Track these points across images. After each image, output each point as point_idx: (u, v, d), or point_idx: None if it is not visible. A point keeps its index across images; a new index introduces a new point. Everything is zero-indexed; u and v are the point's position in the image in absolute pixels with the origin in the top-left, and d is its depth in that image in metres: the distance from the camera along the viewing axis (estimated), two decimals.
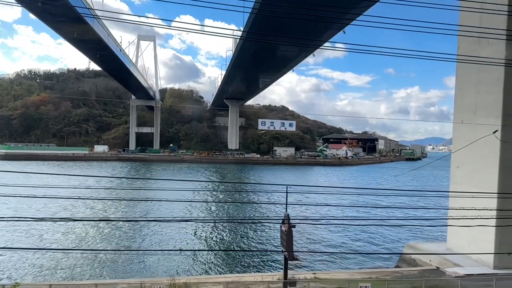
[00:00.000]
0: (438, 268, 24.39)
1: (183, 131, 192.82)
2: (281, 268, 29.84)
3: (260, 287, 17.40)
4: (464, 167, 27.18)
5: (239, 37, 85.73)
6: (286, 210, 17.64)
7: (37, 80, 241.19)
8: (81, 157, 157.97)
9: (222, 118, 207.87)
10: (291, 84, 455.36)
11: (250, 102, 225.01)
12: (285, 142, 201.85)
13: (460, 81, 27.98)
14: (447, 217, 28.96)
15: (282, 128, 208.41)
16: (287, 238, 15.82)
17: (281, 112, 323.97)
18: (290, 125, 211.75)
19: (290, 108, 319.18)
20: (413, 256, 28.34)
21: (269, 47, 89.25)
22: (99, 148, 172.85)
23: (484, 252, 24.65)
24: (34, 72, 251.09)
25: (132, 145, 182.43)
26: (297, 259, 16.14)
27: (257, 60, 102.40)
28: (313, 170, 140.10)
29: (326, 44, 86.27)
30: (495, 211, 23.62)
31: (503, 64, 23.65)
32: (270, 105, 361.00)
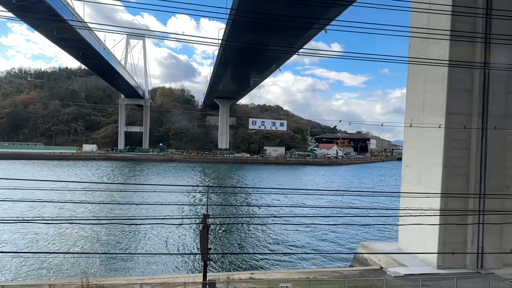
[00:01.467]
0: (382, 268, 24.18)
1: (173, 130, 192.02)
2: (234, 269, 29.61)
3: None
4: (413, 167, 27.01)
5: (219, 45, 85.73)
6: (207, 211, 17.34)
7: (28, 79, 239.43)
8: (68, 156, 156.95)
9: (213, 118, 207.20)
10: (287, 83, 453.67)
11: (246, 101, 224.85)
12: (276, 141, 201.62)
13: (410, 80, 27.81)
14: (399, 216, 28.86)
15: (273, 128, 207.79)
16: (202, 238, 15.49)
17: (275, 111, 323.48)
18: (281, 124, 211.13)
19: (287, 108, 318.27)
20: (365, 255, 28.18)
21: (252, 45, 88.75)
22: (88, 147, 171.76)
23: (428, 252, 24.54)
24: (25, 71, 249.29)
25: (121, 144, 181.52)
26: (210, 260, 15.80)
27: (241, 58, 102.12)
28: (300, 170, 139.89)
29: (316, 43, 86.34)
30: (439, 210, 23.49)
31: (446, 65, 23.49)
32: (264, 104, 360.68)
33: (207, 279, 16.83)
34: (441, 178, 23.74)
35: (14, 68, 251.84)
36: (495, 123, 23.67)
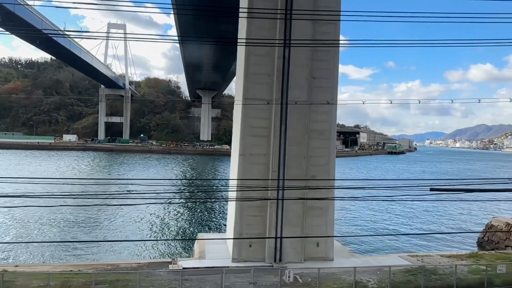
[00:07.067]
0: (172, 260, 23.01)
1: (154, 122, 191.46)
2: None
3: None
4: (235, 154, 25.71)
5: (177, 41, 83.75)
6: None
7: (18, 68, 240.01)
8: (46, 146, 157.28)
9: (197, 109, 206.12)
10: None
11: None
12: None
13: (238, 64, 26.37)
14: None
15: None
16: None
17: None
18: None
19: None
20: (195, 247, 27.17)
21: (211, 28, 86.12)
22: (67, 138, 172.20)
23: (227, 241, 23.40)
24: (15, 60, 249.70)
25: (101, 134, 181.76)
26: None
27: (200, 48, 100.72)
28: None
29: None
30: (235, 201, 22.28)
31: (244, 44, 22.04)
32: None
33: None
34: (237, 166, 22.43)
35: (4, 58, 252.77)
36: (297, 110, 22.19)
